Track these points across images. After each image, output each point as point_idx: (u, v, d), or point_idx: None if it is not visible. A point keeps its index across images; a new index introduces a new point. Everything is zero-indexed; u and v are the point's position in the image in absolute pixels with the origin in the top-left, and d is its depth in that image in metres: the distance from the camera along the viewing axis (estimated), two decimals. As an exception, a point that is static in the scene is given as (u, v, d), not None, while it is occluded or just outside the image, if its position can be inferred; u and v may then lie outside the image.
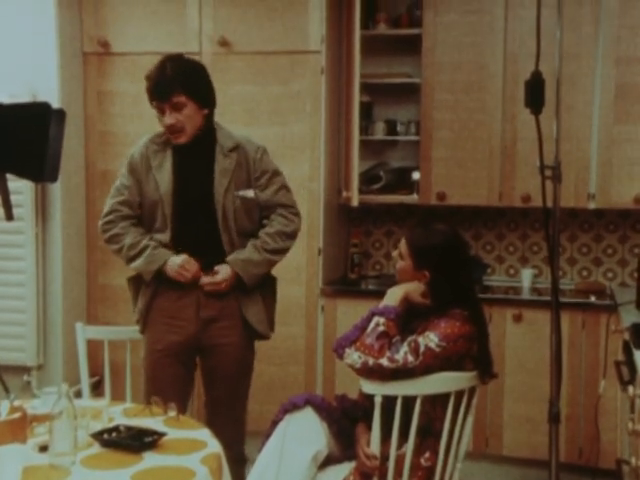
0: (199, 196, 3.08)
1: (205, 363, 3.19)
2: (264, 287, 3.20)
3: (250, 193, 3.11)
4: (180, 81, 2.97)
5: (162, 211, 3.07)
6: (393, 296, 2.73)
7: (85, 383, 3.43)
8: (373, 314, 2.66)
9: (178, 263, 3.03)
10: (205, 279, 3.05)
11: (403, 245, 2.77)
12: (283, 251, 3.16)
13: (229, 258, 3.07)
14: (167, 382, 3.09)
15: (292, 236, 3.17)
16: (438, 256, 2.71)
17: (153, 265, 3.06)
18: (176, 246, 3.07)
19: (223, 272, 3.05)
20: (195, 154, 3.11)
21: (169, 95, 2.98)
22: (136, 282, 3.20)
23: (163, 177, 3.08)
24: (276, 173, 3.17)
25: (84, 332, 3.41)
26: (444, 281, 2.71)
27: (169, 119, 3.00)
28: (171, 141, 3.09)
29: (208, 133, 3.11)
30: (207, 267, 3.07)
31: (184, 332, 3.09)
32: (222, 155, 3.10)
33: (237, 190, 3.09)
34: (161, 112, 3.02)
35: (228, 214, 3.07)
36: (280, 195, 3.16)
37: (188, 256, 3.04)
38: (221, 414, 3.16)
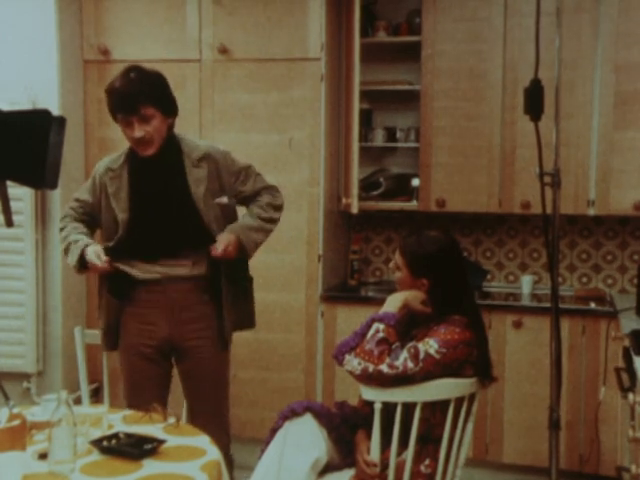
0: (175, 206, 3.06)
1: (180, 366, 3.18)
2: (238, 289, 3.21)
3: (225, 199, 3.14)
4: (147, 92, 2.91)
5: (120, 229, 3.08)
6: (393, 303, 2.73)
7: (84, 388, 3.43)
8: (373, 320, 2.66)
9: (94, 250, 3.03)
10: (214, 252, 3.04)
11: (398, 256, 2.78)
12: (274, 221, 3.25)
13: (228, 227, 3.11)
14: (145, 385, 3.10)
15: (279, 208, 3.27)
16: (434, 263, 2.72)
17: (73, 257, 3.08)
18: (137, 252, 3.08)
19: (224, 238, 3.04)
20: (160, 166, 3.06)
21: (137, 107, 2.91)
22: (100, 295, 3.24)
23: (119, 205, 3.07)
24: (248, 167, 3.23)
25: (83, 336, 3.40)
26: (443, 287, 2.71)
27: (138, 132, 2.93)
28: (127, 163, 3.09)
29: (171, 143, 3.07)
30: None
31: (157, 336, 3.09)
32: (191, 165, 3.07)
33: (212, 198, 3.09)
34: (127, 125, 2.95)
35: (211, 222, 3.07)
36: (259, 181, 3.24)
37: (101, 248, 3.05)
38: (202, 415, 3.12)
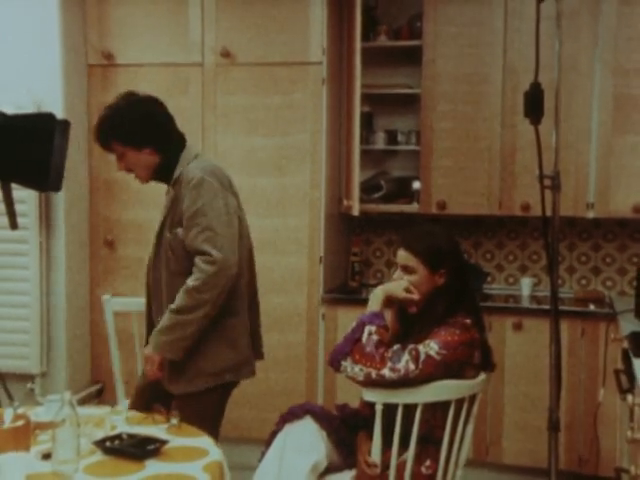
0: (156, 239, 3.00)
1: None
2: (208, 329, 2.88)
3: (180, 231, 2.86)
4: (109, 131, 2.89)
5: None
6: (374, 299, 2.71)
7: (116, 359, 3.50)
8: (363, 323, 2.64)
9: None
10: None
11: (408, 259, 2.71)
12: (192, 308, 2.76)
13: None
14: (147, 386, 3.06)
15: (199, 289, 2.74)
16: (448, 252, 2.71)
17: None
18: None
19: (144, 356, 2.94)
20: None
21: (106, 146, 2.92)
22: None
23: None
24: (200, 212, 2.78)
25: (111, 304, 3.36)
26: (459, 273, 2.70)
27: (119, 166, 2.96)
28: None
29: (166, 170, 2.94)
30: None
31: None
32: (168, 191, 2.98)
33: (174, 228, 2.88)
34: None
35: (162, 254, 2.93)
36: (199, 240, 2.76)
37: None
38: None
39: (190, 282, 2.76)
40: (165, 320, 2.81)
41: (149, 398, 2.92)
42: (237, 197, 3.00)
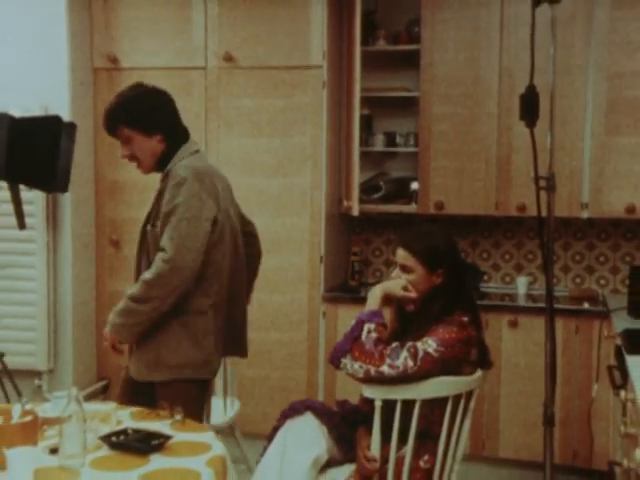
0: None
1: None
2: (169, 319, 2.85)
3: (159, 225, 2.84)
4: (119, 115, 2.87)
5: None
6: (373, 297, 2.71)
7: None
8: (362, 321, 2.64)
9: None
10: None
11: (406, 258, 2.71)
12: (142, 299, 2.74)
13: None
14: None
15: (150, 284, 2.72)
16: (446, 252, 2.70)
17: None
18: None
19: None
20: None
21: (114, 131, 2.90)
22: None
23: None
24: (173, 211, 2.76)
25: None
26: (457, 272, 2.70)
27: (123, 151, 2.92)
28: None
29: (167, 160, 2.92)
30: None
31: None
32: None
33: (155, 221, 2.86)
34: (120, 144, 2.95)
35: (144, 246, 2.93)
36: (164, 237, 2.75)
37: None
38: None
39: (146, 274, 2.75)
40: (121, 303, 2.81)
41: (132, 389, 2.93)
42: (226, 202, 2.94)
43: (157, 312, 2.77)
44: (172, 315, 2.81)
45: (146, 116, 2.89)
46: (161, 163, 2.93)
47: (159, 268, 2.71)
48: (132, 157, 2.94)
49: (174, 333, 2.83)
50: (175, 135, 2.95)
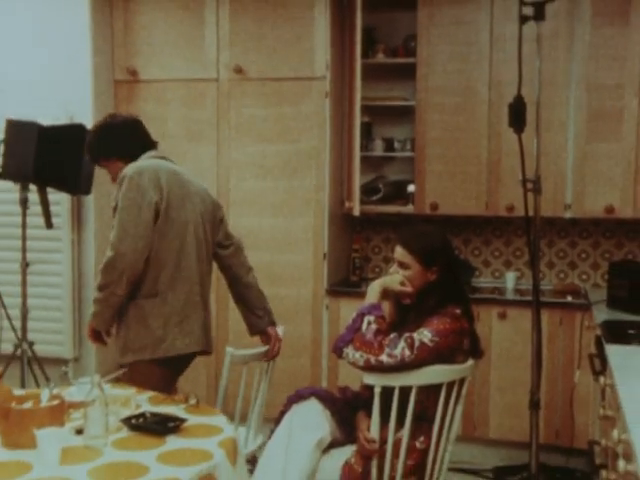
0: None
1: None
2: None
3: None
4: (92, 152, 3.05)
5: None
6: (372, 292, 2.71)
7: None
8: (362, 314, 2.64)
9: None
10: None
11: (404, 255, 2.70)
12: (101, 287, 2.83)
13: None
14: None
15: (103, 271, 2.80)
16: (440, 250, 2.69)
17: None
18: None
19: None
20: None
21: (96, 165, 3.13)
22: None
23: None
24: (118, 206, 2.82)
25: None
26: (450, 270, 2.69)
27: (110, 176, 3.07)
28: None
29: None
30: None
31: None
32: None
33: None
34: None
35: None
36: (113, 231, 2.81)
37: None
38: None
39: (101, 265, 2.83)
40: (93, 294, 2.92)
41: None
42: (182, 199, 2.93)
43: (115, 297, 2.83)
44: (129, 300, 2.88)
45: (101, 145, 3.02)
46: None
47: (106, 257, 2.79)
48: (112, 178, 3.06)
49: (131, 317, 2.90)
50: (132, 153, 2.99)
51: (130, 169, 2.85)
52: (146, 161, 2.94)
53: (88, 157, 3.11)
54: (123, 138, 3.02)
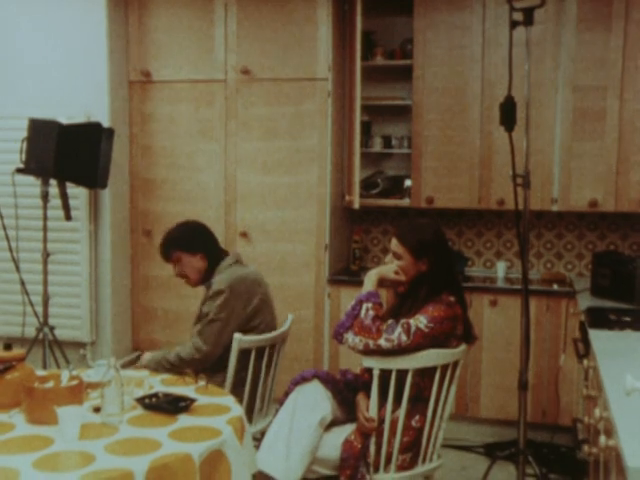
0: None
1: None
2: None
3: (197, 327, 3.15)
4: (170, 244, 3.18)
5: None
6: (369, 280, 2.72)
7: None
8: (361, 301, 2.65)
9: None
10: None
11: (397, 247, 2.71)
12: (177, 365, 3.07)
13: None
14: None
15: (185, 360, 3.07)
16: (431, 244, 2.69)
17: None
18: None
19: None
20: None
21: (166, 258, 3.21)
22: None
23: None
24: (211, 318, 3.07)
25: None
26: (440, 263, 2.69)
27: (175, 271, 3.22)
28: None
29: (210, 274, 3.18)
30: None
31: None
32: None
33: (197, 322, 3.17)
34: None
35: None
36: (203, 332, 3.10)
37: None
38: None
39: (184, 352, 3.05)
40: (168, 354, 3.09)
41: None
42: (259, 295, 3.14)
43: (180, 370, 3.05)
44: None
45: (190, 239, 3.17)
46: (205, 275, 3.17)
47: (189, 353, 3.04)
48: (182, 274, 3.19)
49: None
50: (214, 253, 3.18)
51: (224, 283, 3.06)
52: (234, 271, 3.12)
53: (169, 250, 3.18)
54: (212, 238, 3.25)
